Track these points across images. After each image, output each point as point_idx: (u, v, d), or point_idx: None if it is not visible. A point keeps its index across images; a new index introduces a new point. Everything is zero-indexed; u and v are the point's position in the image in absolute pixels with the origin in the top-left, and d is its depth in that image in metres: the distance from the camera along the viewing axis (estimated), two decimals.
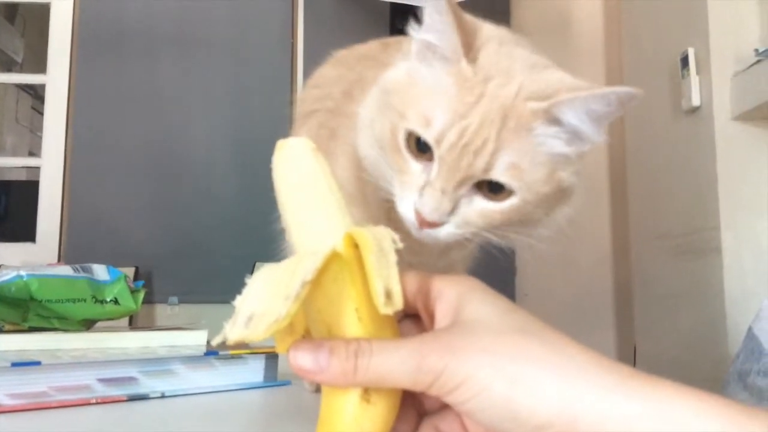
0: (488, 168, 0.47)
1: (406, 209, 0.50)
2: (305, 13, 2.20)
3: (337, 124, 0.65)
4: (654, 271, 1.92)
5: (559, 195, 0.51)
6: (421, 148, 0.49)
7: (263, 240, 2.32)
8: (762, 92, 1.44)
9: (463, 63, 0.49)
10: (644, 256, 1.99)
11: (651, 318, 1.94)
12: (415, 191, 0.49)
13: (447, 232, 0.49)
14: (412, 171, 0.50)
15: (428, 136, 0.48)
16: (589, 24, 2.33)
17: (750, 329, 1.26)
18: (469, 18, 0.52)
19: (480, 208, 0.49)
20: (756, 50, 1.49)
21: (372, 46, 0.74)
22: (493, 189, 0.48)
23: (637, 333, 2.02)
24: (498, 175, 0.47)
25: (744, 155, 1.56)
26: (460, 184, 0.48)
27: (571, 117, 0.48)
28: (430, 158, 0.48)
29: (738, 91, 1.54)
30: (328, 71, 0.76)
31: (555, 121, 0.48)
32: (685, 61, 1.66)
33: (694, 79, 1.63)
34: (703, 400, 0.29)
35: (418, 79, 0.51)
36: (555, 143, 0.49)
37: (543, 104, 0.47)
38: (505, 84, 0.48)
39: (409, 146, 0.50)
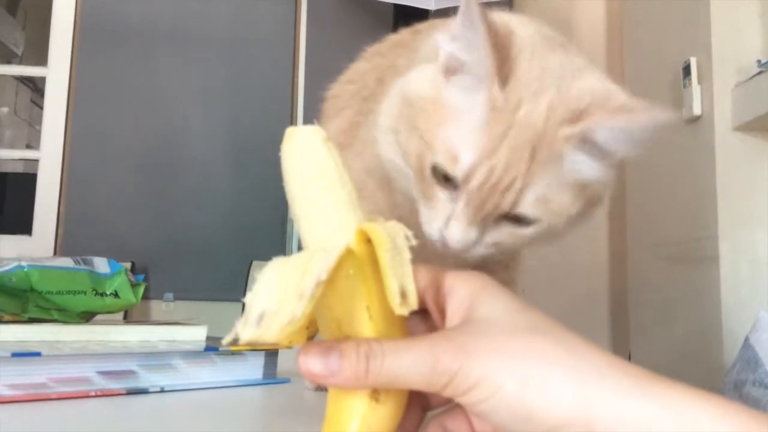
0: (515, 204, 0.46)
1: (433, 233, 0.49)
2: (308, 13, 2.20)
3: (370, 110, 0.64)
4: (650, 279, 1.92)
5: (589, 207, 0.50)
6: (447, 178, 0.48)
7: (260, 239, 2.31)
8: (763, 103, 1.44)
9: (495, 88, 0.46)
10: (641, 263, 1.99)
11: (646, 326, 1.94)
12: (441, 220, 0.49)
13: (475, 252, 0.49)
14: (439, 198, 0.49)
15: (455, 174, 0.47)
16: (591, 32, 2.33)
17: (746, 339, 1.26)
18: (501, 29, 0.49)
19: (507, 232, 0.49)
20: (758, 61, 1.50)
21: (404, 34, 0.72)
22: (519, 217, 0.48)
23: (632, 340, 2.02)
24: (525, 209, 0.47)
25: (744, 165, 1.56)
26: (487, 217, 0.47)
27: (603, 138, 0.46)
28: (457, 187, 0.48)
29: (739, 102, 1.55)
30: (363, 65, 0.74)
31: (586, 141, 0.46)
32: (687, 70, 1.66)
33: (695, 88, 1.63)
34: (718, 404, 0.29)
35: (444, 99, 0.49)
36: (585, 166, 0.47)
37: (575, 129, 0.45)
38: (534, 108, 0.46)
39: (436, 176, 0.48)
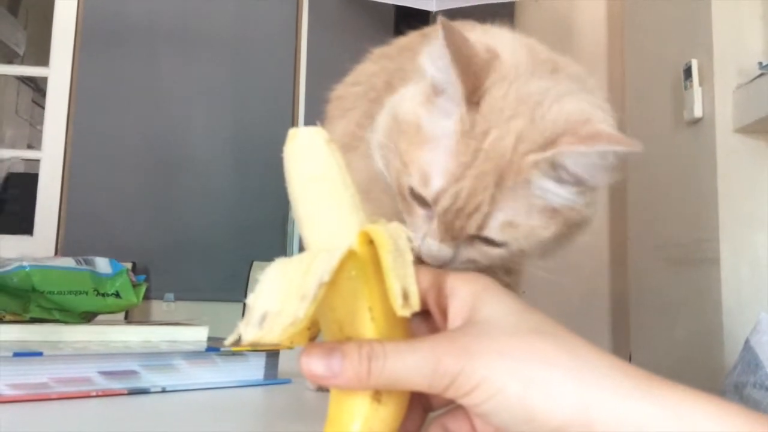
0: (481, 228, 0.48)
1: (414, 243, 0.51)
2: (309, 13, 2.20)
3: (376, 113, 0.64)
4: (651, 281, 1.92)
5: (570, 230, 0.51)
6: (423, 198, 0.50)
7: (261, 239, 2.31)
8: (764, 105, 1.45)
9: (464, 112, 0.48)
10: (642, 265, 1.99)
11: (647, 327, 1.94)
12: (419, 233, 0.51)
13: (453, 267, 0.51)
14: (417, 214, 0.51)
15: (427, 196, 0.49)
16: (592, 33, 2.33)
17: (747, 342, 1.27)
18: (482, 54, 0.50)
19: (480, 250, 0.50)
20: (759, 63, 1.50)
21: (412, 37, 0.73)
22: (488, 239, 0.49)
23: (633, 342, 2.02)
24: (491, 233, 0.48)
25: (745, 168, 1.56)
26: (457, 237, 0.49)
27: (572, 165, 0.47)
28: (431, 207, 0.50)
29: (740, 104, 1.55)
30: (369, 67, 0.75)
31: (556, 167, 0.47)
32: (688, 72, 1.66)
33: (696, 90, 1.63)
34: (717, 405, 0.29)
35: (423, 123, 0.50)
36: (554, 192, 0.48)
37: (541, 156, 0.46)
38: (503, 135, 0.47)
39: (413, 195, 0.50)
